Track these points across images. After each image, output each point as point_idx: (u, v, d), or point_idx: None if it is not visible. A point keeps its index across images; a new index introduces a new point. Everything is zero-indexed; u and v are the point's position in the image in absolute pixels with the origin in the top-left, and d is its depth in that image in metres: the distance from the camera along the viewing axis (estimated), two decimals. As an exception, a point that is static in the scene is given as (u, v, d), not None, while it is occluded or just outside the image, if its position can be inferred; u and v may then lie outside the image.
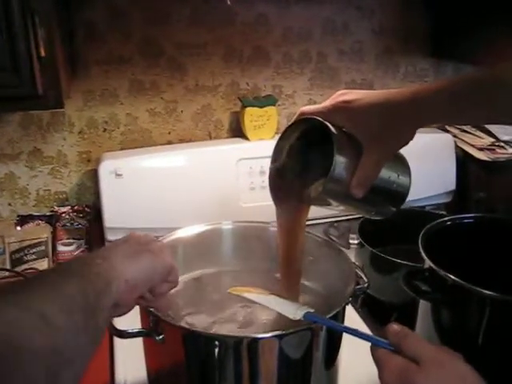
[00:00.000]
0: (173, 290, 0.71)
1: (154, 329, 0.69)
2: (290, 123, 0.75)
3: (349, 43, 1.40)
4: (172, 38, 1.26)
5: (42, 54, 0.82)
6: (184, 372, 0.70)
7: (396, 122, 0.67)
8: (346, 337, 0.77)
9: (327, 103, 0.71)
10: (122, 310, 0.63)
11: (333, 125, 0.69)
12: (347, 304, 0.73)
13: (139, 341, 0.78)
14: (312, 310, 0.65)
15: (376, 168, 0.70)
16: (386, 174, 0.73)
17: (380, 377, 0.56)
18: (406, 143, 0.70)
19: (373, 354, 0.58)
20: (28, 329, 0.43)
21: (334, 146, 0.67)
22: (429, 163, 1.41)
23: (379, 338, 0.58)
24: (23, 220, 1.24)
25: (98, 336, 0.54)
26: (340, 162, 0.67)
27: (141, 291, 0.64)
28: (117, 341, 0.96)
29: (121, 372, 0.90)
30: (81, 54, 1.22)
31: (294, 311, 0.66)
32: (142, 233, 0.68)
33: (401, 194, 0.77)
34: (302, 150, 0.76)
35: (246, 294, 0.73)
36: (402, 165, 0.78)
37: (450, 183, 1.44)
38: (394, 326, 0.58)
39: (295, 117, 0.75)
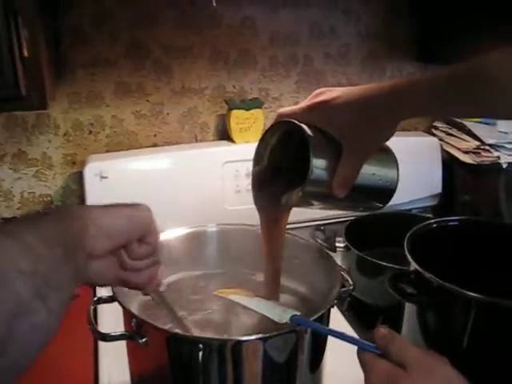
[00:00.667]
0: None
1: (136, 332, 0.68)
2: (269, 126, 0.74)
3: (335, 47, 1.40)
4: (158, 41, 1.26)
5: (25, 54, 0.81)
6: (168, 375, 0.70)
7: (372, 118, 0.65)
8: (330, 340, 0.77)
9: (304, 104, 0.70)
10: (96, 267, 0.59)
11: (310, 126, 0.68)
12: (332, 306, 0.73)
13: (123, 345, 0.77)
14: (298, 313, 0.65)
15: (356, 168, 0.68)
16: (370, 169, 0.71)
17: (366, 381, 0.55)
18: (386, 139, 0.68)
19: (359, 358, 0.57)
20: (13, 253, 0.45)
21: (310, 150, 0.65)
22: (415, 166, 1.41)
23: (365, 342, 0.57)
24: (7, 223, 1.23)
25: (78, 278, 0.54)
26: (317, 165, 0.66)
27: (115, 241, 0.60)
28: (101, 345, 0.95)
29: (105, 376, 0.89)
30: (67, 56, 1.21)
31: (280, 314, 0.65)
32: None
33: (388, 188, 0.76)
34: (283, 152, 0.74)
35: (231, 297, 0.72)
36: (387, 159, 0.75)
37: (436, 186, 1.45)
38: (382, 330, 0.58)
39: (274, 119, 0.74)
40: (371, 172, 0.72)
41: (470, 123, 1.39)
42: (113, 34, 1.23)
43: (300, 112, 0.70)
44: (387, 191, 0.76)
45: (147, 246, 0.64)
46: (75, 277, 0.52)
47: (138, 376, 0.78)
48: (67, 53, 1.21)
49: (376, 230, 1.25)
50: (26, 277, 0.44)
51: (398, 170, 0.75)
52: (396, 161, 0.75)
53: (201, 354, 0.65)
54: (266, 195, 0.75)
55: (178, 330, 0.65)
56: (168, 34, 1.25)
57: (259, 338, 0.65)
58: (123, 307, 0.70)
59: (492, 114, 0.74)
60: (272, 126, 0.73)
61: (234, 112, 1.28)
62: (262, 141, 0.74)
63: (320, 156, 0.66)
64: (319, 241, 1.28)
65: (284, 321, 0.64)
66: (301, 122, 0.68)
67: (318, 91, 0.70)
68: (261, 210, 0.77)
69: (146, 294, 0.71)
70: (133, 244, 0.62)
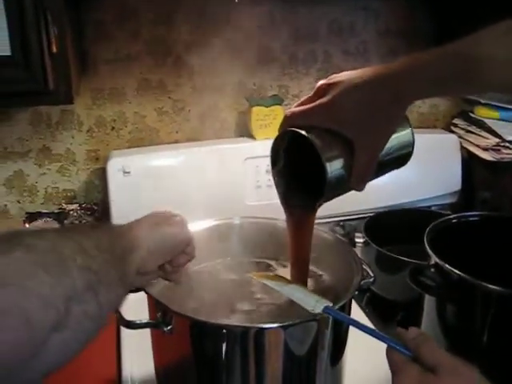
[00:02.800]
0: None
1: (162, 320, 0.69)
2: (277, 135, 0.72)
3: (354, 44, 1.41)
4: (179, 38, 1.27)
5: (54, 50, 0.83)
6: (192, 363, 0.71)
7: (380, 111, 0.64)
8: (352, 338, 0.77)
9: (308, 106, 0.68)
10: (144, 280, 0.68)
11: (316, 128, 0.66)
12: (353, 296, 0.74)
13: (146, 334, 0.79)
14: (331, 304, 0.63)
15: (371, 163, 0.67)
16: (385, 149, 0.69)
17: (396, 382, 0.55)
18: (397, 126, 0.68)
19: (389, 358, 0.56)
20: (69, 249, 0.51)
21: (321, 156, 0.64)
22: (434, 164, 1.42)
23: (397, 342, 0.56)
24: (31, 217, 1.25)
25: (126, 284, 0.59)
26: (332, 169, 0.65)
27: (161, 260, 0.68)
28: (124, 334, 0.97)
29: (127, 364, 0.91)
30: (90, 52, 1.23)
31: (313, 303, 0.64)
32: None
33: (407, 154, 0.74)
34: (297, 153, 0.72)
35: (265, 281, 0.72)
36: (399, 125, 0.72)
37: (456, 184, 1.45)
38: (414, 330, 0.57)
39: (282, 122, 0.72)
40: (387, 149, 0.69)
41: (489, 120, 1.38)
42: (134, 30, 1.24)
43: (305, 114, 0.68)
44: (406, 155, 0.74)
45: (186, 255, 0.72)
46: (123, 282, 0.58)
47: (162, 365, 0.80)
48: (90, 48, 1.23)
49: (395, 226, 1.26)
50: (82, 270, 0.50)
51: (411, 128, 0.73)
52: (406, 120, 0.73)
53: (224, 340, 0.66)
54: (291, 194, 0.76)
55: (202, 318, 0.66)
56: (189, 31, 1.27)
57: (281, 326, 0.66)
58: (149, 296, 0.71)
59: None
60: (278, 135, 0.72)
61: (255, 109, 1.30)
62: (275, 143, 0.73)
63: (332, 158, 0.65)
64: (339, 236, 1.29)
65: (317, 311, 0.63)
66: (307, 124, 0.67)
67: (319, 85, 0.69)
68: (290, 210, 0.77)
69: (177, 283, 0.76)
70: (174, 258, 0.70)
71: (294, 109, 0.70)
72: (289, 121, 0.70)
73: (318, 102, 0.67)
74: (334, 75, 0.69)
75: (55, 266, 0.48)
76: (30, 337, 0.45)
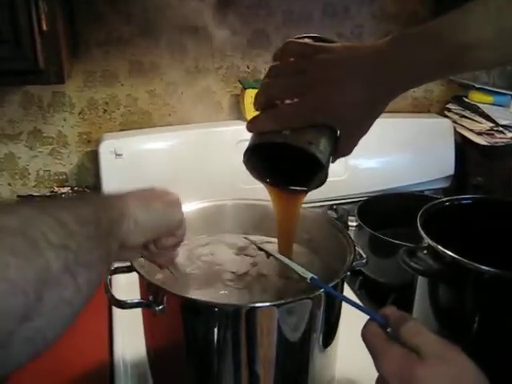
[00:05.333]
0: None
1: (153, 299, 0.69)
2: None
3: (349, 27, 1.40)
4: (172, 20, 1.26)
5: (44, 28, 0.82)
6: (183, 342, 0.71)
7: (375, 105, 0.64)
8: (344, 321, 0.78)
9: (296, 108, 0.64)
10: (125, 255, 0.65)
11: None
12: (346, 277, 0.74)
13: (138, 314, 0.78)
14: (316, 277, 0.65)
15: (353, 147, 0.67)
16: None
17: (378, 367, 0.52)
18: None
19: (367, 341, 0.54)
20: (43, 226, 0.45)
21: (316, 155, 0.63)
22: (428, 148, 1.43)
23: (378, 314, 0.55)
24: (23, 200, 1.25)
25: (108, 261, 0.56)
26: (325, 160, 0.64)
27: (147, 237, 0.64)
28: (116, 314, 0.97)
29: (119, 344, 0.91)
30: (82, 34, 1.22)
31: (303, 270, 0.66)
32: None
33: None
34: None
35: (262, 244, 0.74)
36: None
37: (449, 168, 1.45)
38: (393, 309, 0.55)
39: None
40: None
41: (483, 105, 1.39)
42: (126, 11, 1.23)
43: (295, 115, 0.63)
44: None
45: (175, 238, 0.69)
46: (106, 259, 0.53)
47: (153, 345, 0.80)
48: (82, 31, 1.22)
49: (388, 210, 1.26)
50: (57, 250, 0.44)
51: None
52: None
53: (216, 319, 0.66)
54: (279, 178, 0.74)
55: (193, 296, 0.66)
56: (182, 13, 1.26)
57: (274, 305, 0.66)
58: (141, 276, 0.71)
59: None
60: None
61: (248, 91, 1.29)
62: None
63: (323, 150, 0.64)
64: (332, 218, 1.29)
65: (306, 276, 0.64)
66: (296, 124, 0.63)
67: (294, 52, 0.66)
68: (278, 193, 0.75)
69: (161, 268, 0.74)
70: (162, 238, 0.67)
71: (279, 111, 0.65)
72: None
73: (307, 102, 0.63)
74: (308, 44, 0.66)
75: (25, 247, 0.42)
76: None
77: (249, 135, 0.68)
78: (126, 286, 0.78)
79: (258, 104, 0.67)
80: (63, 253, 0.45)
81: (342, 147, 0.66)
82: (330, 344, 0.77)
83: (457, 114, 1.46)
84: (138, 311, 0.76)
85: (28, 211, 0.46)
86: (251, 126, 0.67)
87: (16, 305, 0.40)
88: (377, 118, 0.65)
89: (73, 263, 0.45)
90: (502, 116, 1.33)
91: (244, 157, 0.69)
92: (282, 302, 0.66)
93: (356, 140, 0.67)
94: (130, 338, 0.90)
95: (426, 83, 0.67)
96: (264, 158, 0.70)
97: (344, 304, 0.73)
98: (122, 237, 0.58)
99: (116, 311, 0.97)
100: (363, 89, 0.62)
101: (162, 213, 0.65)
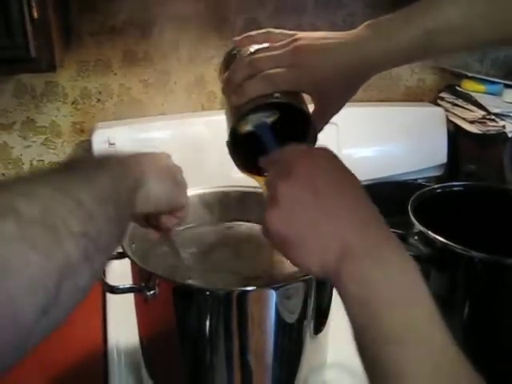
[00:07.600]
0: None
1: (145, 284, 0.69)
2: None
3: (341, 16, 1.39)
4: (165, 9, 1.26)
5: (35, 16, 0.82)
6: (174, 327, 0.71)
7: (355, 85, 0.69)
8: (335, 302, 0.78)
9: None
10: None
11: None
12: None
13: (131, 302, 0.79)
14: None
15: (324, 125, 0.72)
16: None
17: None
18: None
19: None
20: (63, 211, 0.43)
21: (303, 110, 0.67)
22: (420, 137, 1.43)
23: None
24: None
25: (124, 231, 0.56)
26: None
27: (151, 209, 0.64)
28: (110, 300, 0.98)
29: (113, 330, 0.92)
30: (75, 24, 1.22)
31: None
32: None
33: None
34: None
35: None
36: None
37: (442, 157, 1.46)
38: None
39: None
40: None
41: (476, 94, 1.39)
42: (120, 1, 1.22)
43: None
44: None
45: (175, 219, 0.70)
46: (121, 239, 0.54)
47: (146, 332, 0.80)
48: (75, 20, 1.22)
49: (381, 199, 1.24)
50: (78, 239, 0.43)
51: None
52: None
53: (207, 304, 0.67)
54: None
55: (185, 281, 0.67)
56: (175, 2, 1.25)
57: (266, 288, 0.67)
58: (133, 261, 0.71)
59: None
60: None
61: (241, 80, 1.29)
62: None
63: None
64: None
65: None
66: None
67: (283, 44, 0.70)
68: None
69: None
70: (162, 215, 0.68)
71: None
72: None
73: (294, 69, 0.67)
74: (297, 35, 0.69)
75: (46, 239, 0.40)
76: (16, 330, 0.38)
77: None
78: (120, 274, 0.78)
79: (241, 77, 0.70)
80: (83, 241, 0.43)
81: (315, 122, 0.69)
82: (321, 330, 0.78)
83: (449, 102, 1.46)
84: (132, 300, 0.77)
85: (47, 192, 0.44)
86: (241, 92, 0.69)
87: (36, 302, 0.39)
88: (350, 98, 0.70)
89: (92, 250, 0.44)
90: (494, 104, 1.33)
91: (228, 147, 0.74)
92: (276, 285, 0.67)
93: (327, 118, 0.71)
94: (124, 323, 0.90)
95: (401, 65, 0.70)
96: (244, 151, 0.74)
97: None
98: (134, 205, 0.58)
99: (110, 299, 0.98)
100: (343, 72, 0.66)
101: (171, 191, 0.65)
